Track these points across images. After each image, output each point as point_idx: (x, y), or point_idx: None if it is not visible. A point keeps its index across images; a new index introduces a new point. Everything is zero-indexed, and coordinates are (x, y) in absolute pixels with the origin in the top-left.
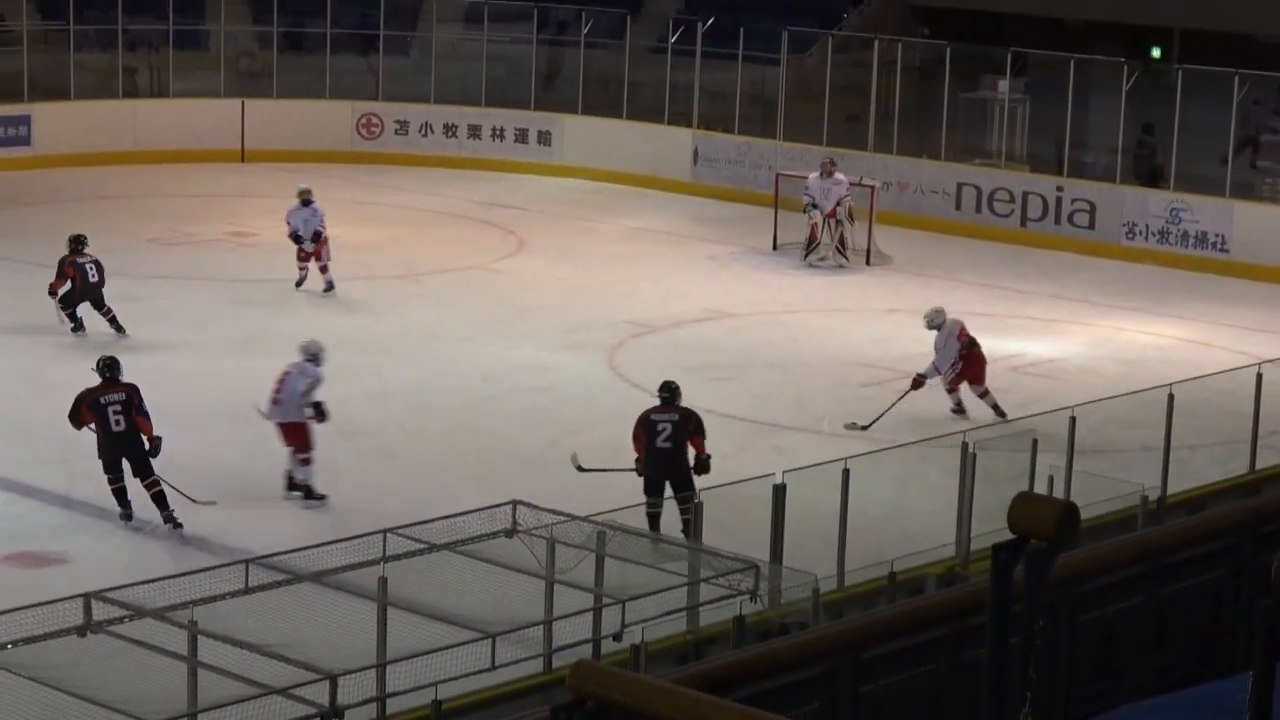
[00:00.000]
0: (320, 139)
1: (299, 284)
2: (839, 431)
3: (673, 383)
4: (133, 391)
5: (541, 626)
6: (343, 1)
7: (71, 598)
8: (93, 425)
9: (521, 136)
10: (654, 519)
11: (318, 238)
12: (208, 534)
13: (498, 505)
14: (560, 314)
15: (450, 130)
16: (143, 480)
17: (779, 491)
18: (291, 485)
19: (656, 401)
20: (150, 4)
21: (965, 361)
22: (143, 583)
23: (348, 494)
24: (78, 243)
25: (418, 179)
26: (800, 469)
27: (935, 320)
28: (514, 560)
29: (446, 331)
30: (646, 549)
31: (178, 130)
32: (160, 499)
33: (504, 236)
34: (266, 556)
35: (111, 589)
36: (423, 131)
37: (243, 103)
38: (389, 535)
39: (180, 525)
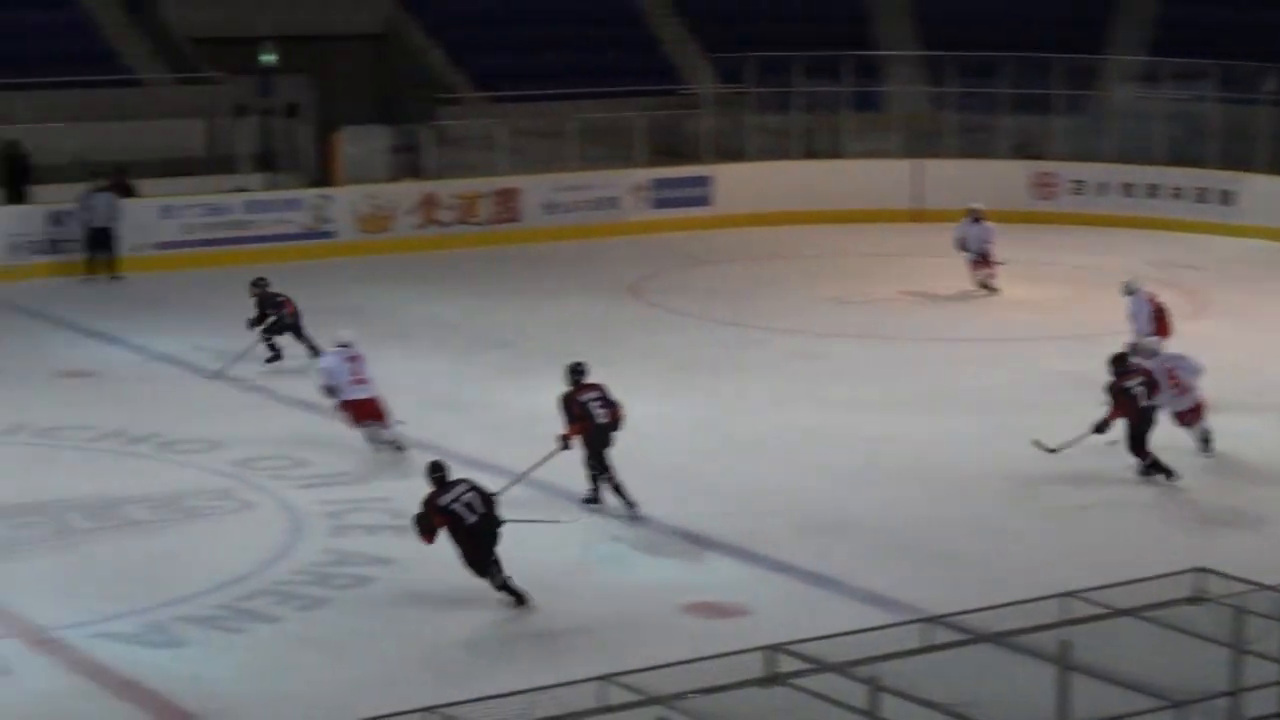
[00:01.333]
0: (994, 198)
1: (985, 291)
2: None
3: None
4: (604, 388)
5: (1228, 698)
6: (1018, 61)
7: (754, 649)
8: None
9: (1201, 196)
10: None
11: (986, 256)
12: (886, 592)
13: (1181, 572)
14: (1248, 377)
15: (1128, 189)
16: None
17: None
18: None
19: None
20: (828, 68)
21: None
22: (823, 637)
23: (1022, 556)
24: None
25: (1094, 238)
26: None
27: (1131, 287)
28: (1198, 628)
29: None
30: None
31: (852, 190)
32: (620, 489)
33: (1184, 298)
34: (946, 616)
35: (793, 642)
36: (1099, 190)
37: (918, 163)
38: (1068, 599)
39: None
